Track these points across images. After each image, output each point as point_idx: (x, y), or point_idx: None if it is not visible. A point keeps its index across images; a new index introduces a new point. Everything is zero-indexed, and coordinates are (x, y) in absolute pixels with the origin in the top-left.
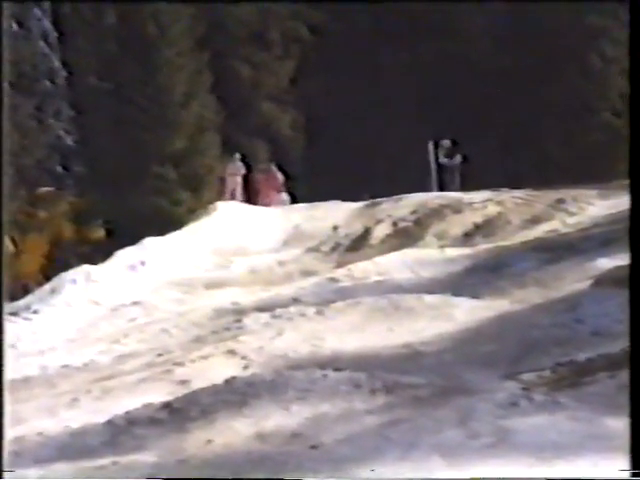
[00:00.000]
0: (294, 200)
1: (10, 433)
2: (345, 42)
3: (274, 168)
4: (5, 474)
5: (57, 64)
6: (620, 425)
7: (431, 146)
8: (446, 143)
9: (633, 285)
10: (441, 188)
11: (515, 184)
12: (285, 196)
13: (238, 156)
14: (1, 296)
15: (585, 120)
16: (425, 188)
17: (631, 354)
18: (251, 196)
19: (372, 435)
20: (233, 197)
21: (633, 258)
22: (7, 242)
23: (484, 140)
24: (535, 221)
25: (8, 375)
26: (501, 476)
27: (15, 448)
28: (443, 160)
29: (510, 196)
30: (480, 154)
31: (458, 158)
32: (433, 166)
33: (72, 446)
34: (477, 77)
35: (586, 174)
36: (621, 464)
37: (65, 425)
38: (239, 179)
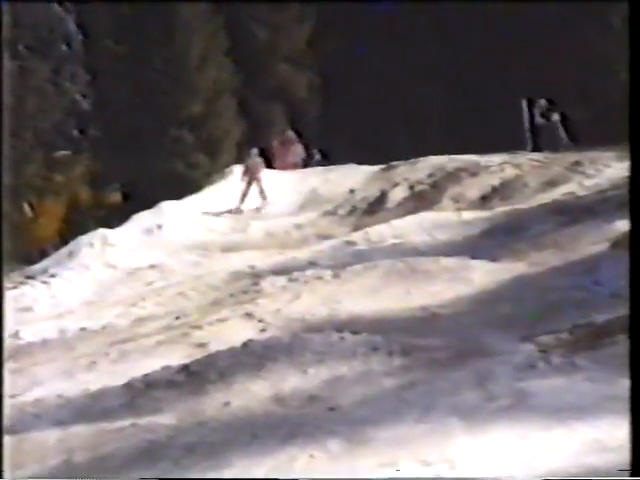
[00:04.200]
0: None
1: (29, 395)
2: (362, 2)
3: (289, 133)
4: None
5: (73, 27)
6: None
7: (525, 105)
8: (542, 102)
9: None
10: (537, 148)
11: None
12: (301, 154)
13: (255, 151)
14: (2, 291)
15: (604, 81)
16: (441, 151)
17: (631, 356)
18: (267, 162)
19: (389, 397)
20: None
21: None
22: (25, 206)
23: (504, 99)
24: (552, 183)
25: (27, 338)
26: (518, 439)
27: (34, 410)
28: (539, 120)
29: (527, 158)
30: (502, 113)
31: (555, 117)
32: (527, 126)
33: (91, 408)
34: (494, 36)
35: (604, 135)
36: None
37: (84, 388)
38: (260, 175)
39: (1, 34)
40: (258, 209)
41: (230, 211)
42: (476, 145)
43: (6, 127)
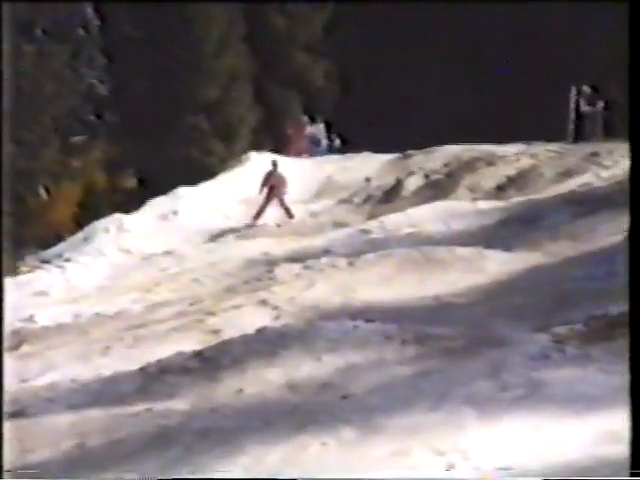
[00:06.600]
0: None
1: (43, 379)
2: None
3: (303, 119)
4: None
5: (90, 12)
6: None
7: (573, 92)
8: (587, 90)
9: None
10: (581, 137)
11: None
12: (316, 140)
13: (278, 165)
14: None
15: (621, 74)
16: (452, 139)
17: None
18: (281, 148)
19: (403, 386)
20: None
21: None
22: (41, 191)
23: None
24: (568, 174)
25: (42, 322)
26: (532, 429)
27: (48, 394)
28: (584, 108)
29: (544, 149)
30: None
31: (600, 105)
32: (572, 114)
33: (105, 393)
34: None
35: (622, 127)
36: None
37: (98, 372)
38: (286, 192)
39: (1, 34)
40: (279, 226)
41: (245, 225)
42: (493, 136)
43: (16, 118)
